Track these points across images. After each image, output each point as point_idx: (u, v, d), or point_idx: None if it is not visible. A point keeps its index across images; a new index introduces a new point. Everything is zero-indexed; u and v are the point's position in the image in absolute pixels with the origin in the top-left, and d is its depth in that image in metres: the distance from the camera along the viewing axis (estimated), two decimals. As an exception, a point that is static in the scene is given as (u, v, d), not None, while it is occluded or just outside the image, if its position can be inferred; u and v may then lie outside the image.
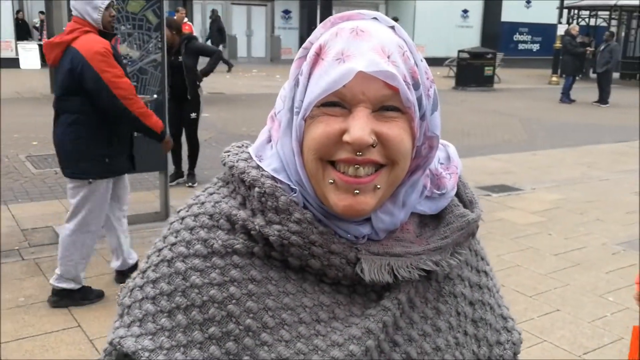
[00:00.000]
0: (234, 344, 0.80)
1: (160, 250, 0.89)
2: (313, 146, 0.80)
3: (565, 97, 15.92)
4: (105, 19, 3.76)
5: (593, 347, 3.65)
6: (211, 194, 0.92)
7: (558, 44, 19.56)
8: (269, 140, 0.91)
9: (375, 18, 0.83)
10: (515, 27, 28.63)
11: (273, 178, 0.85)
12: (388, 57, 0.77)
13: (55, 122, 3.84)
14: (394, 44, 0.79)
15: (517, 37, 28.97)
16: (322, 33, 0.83)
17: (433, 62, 12.31)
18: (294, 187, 0.85)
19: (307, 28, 25.09)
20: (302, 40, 25.34)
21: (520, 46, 29.20)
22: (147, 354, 0.82)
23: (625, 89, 19.35)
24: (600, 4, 22.94)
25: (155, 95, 5.26)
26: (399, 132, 0.79)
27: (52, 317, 3.71)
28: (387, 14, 18.72)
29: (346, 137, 0.77)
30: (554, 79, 20.46)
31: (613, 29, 20.04)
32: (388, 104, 0.78)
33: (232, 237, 0.85)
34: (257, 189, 0.84)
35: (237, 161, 0.89)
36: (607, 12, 23.51)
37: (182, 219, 0.90)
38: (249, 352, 0.80)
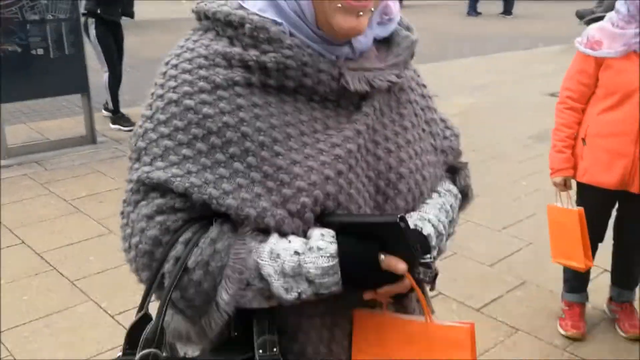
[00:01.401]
0: (253, 158, 0.93)
1: (162, 95, 0.98)
2: None
3: (472, 11, 16.35)
4: None
5: (511, 223, 4.06)
6: (196, 40, 1.01)
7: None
8: None
9: None
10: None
11: (258, 15, 0.97)
12: None
13: None
14: None
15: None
16: None
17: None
18: (279, 21, 0.97)
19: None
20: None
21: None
22: (178, 179, 0.93)
23: (526, 0, 20.07)
24: None
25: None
26: None
27: (-7, 239, 3.69)
28: None
29: None
30: (461, -6, 20.84)
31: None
32: None
33: (231, 72, 0.96)
34: (248, 26, 0.95)
35: (218, 7, 0.99)
36: None
37: (175, 65, 0.99)
38: (267, 162, 0.94)
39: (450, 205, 1.14)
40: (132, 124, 6.09)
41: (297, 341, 1.02)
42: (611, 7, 2.58)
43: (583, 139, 2.62)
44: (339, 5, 0.93)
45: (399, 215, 0.90)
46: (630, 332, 2.86)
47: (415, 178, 1.06)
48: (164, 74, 1.00)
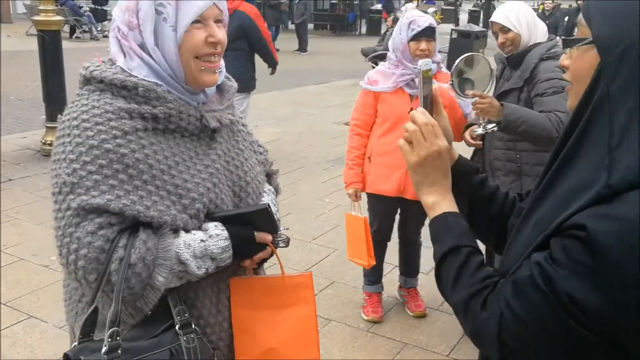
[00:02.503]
0: (159, 181, 1.34)
1: (82, 142, 1.31)
2: (193, 49, 1.36)
3: (271, 47, 17.35)
4: None
5: (318, 234, 4.68)
6: (97, 100, 1.36)
7: (259, -2, 20.89)
8: (124, 55, 1.40)
9: None
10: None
11: (146, 80, 1.36)
12: None
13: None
14: None
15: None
16: None
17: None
18: (159, 83, 1.38)
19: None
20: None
21: None
22: (113, 202, 1.28)
23: (319, 38, 21.77)
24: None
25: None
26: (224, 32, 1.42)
27: None
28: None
29: (212, 39, 1.36)
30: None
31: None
32: (218, 18, 1.40)
33: (133, 122, 1.35)
34: (141, 89, 1.35)
35: (113, 74, 1.37)
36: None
37: (86, 120, 1.33)
38: (168, 183, 1.35)
39: (275, 200, 1.67)
40: None
41: (196, 307, 1.43)
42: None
43: (369, 158, 3.28)
44: (203, 68, 1.39)
45: (266, 204, 1.45)
46: (416, 311, 3.57)
47: (255, 183, 1.55)
48: (77, 126, 1.33)
